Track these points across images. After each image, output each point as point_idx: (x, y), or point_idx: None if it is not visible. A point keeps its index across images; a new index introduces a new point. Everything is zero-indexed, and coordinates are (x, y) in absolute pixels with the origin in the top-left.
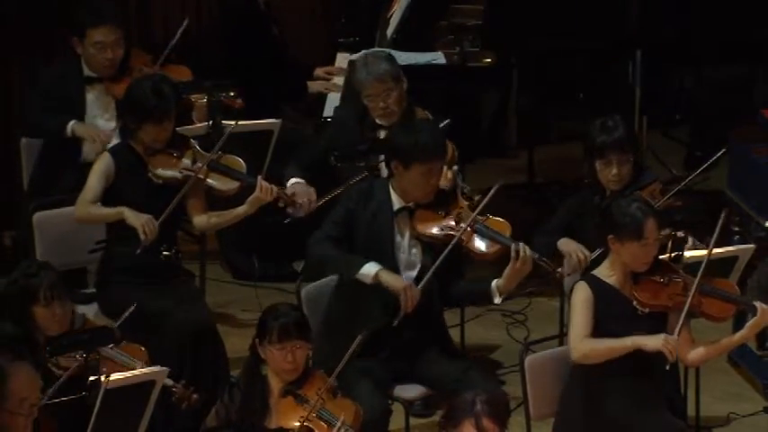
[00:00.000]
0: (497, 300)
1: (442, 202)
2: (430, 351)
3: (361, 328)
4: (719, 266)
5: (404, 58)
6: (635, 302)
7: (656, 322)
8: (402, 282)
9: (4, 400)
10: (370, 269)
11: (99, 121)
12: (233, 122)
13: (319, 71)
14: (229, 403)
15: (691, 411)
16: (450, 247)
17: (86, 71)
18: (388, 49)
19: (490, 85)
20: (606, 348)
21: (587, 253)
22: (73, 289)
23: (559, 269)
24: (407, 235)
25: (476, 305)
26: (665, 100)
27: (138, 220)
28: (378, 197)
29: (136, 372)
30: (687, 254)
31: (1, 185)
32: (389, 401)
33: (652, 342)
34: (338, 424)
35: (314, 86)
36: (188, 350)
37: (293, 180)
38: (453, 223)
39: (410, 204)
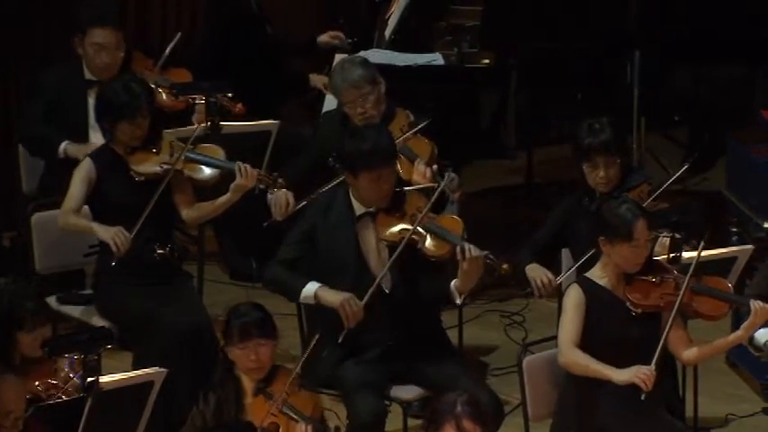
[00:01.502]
0: (458, 300)
1: (399, 204)
2: (427, 352)
3: (335, 347)
4: (718, 267)
5: (402, 58)
6: (627, 303)
7: (651, 323)
8: (340, 297)
9: None
10: (309, 290)
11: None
12: (232, 123)
13: (324, 37)
14: (205, 408)
15: (689, 412)
16: (400, 247)
17: (88, 74)
18: (380, 50)
19: (488, 85)
20: (585, 367)
21: (551, 277)
22: (70, 290)
23: (505, 265)
24: (373, 241)
25: (441, 305)
26: (663, 101)
27: (107, 233)
28: (339, 206)
29: (137, 372)
30: (685, 255)
31: (0, 187)
32: (387, 402)
33: (623, 376)
34: (279, 402)
35: (315, 80)
36: (185, 351)
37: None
38: (409, 224)
39: (371, 209)
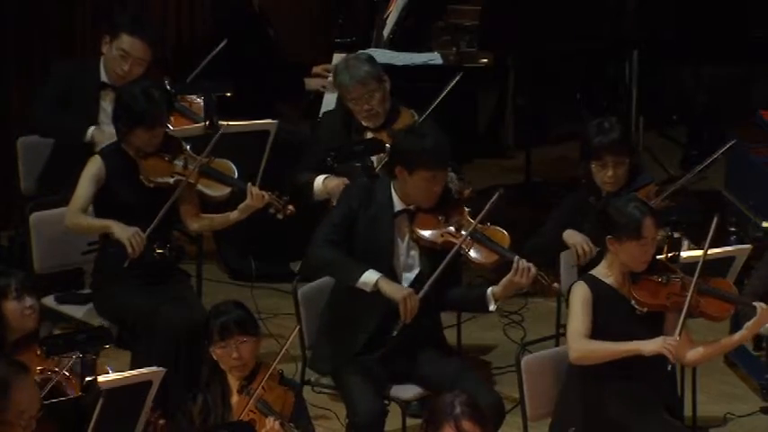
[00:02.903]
0: (492, 307)
1: (443, 208)
2: (426, 351)
3: (358, 334)
4: (716, 267)
5: (400, 58)
6: (633, 302)
7: (655, 322)
8: (402, 291)
9: (4, 410)
10: (370, 277)
11: (109, 128)
12: (231, 123)
13: (317, 69)
14: (192, 408)
15: (687, 412)
16: (450, 255)
17: (103, 77)
18: (378, 50)
19: (487, 85)
20: (604, 351)
21: (591, 246)
22: (69, 290)
23: (555, 284)
24: (406, 238)
25: (469, 311)
26: (661, 100)
27: (124, 233)
28: (379, 198)
29: (135, 371)
30: (684, 254)
31: None
32: (386, 402)
33: (651, 346)
34: (252, 400)
35: (311, 84)
36: (183, 350)
37: (321, 177)
38: (453, 230)
39: (411, 207)
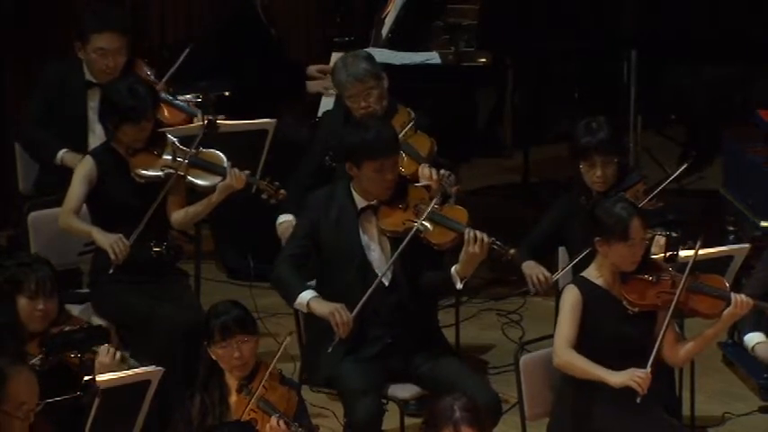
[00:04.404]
0: (459, 285)
1: (402, 196)
2: (424, 350)
3: (343, 344)
4: (715, 266)
5: (399, 57)
6: (624, 302)
7: (647, 321)
8: (329, 307)
9: (2, 401)
10: (303, 298)
11: (98, 126)
12: (229, 122)
13: (312, 69)
14: (190, 409)
15: (685, 411)
16: (407, 239)
17: (88, 76)
18: (379, 49)
19: (485, 85)
20: (580, 369)
21: (548, 275)
22: (67, 289)
23: (512, 251)
24: (375, 234)
25: (442, 294)
26: (660, 99)
27: (106, 240)
28: (340, 200)
29: (131, 372)
30: (682, 253)
31: None
32: (384, 401)
33: (619, 378)
34: (253, 399)
35: (312, 86)
36: (180, 349)
37: (281, 218)
38: (412, 215)
39: (373, 202)
